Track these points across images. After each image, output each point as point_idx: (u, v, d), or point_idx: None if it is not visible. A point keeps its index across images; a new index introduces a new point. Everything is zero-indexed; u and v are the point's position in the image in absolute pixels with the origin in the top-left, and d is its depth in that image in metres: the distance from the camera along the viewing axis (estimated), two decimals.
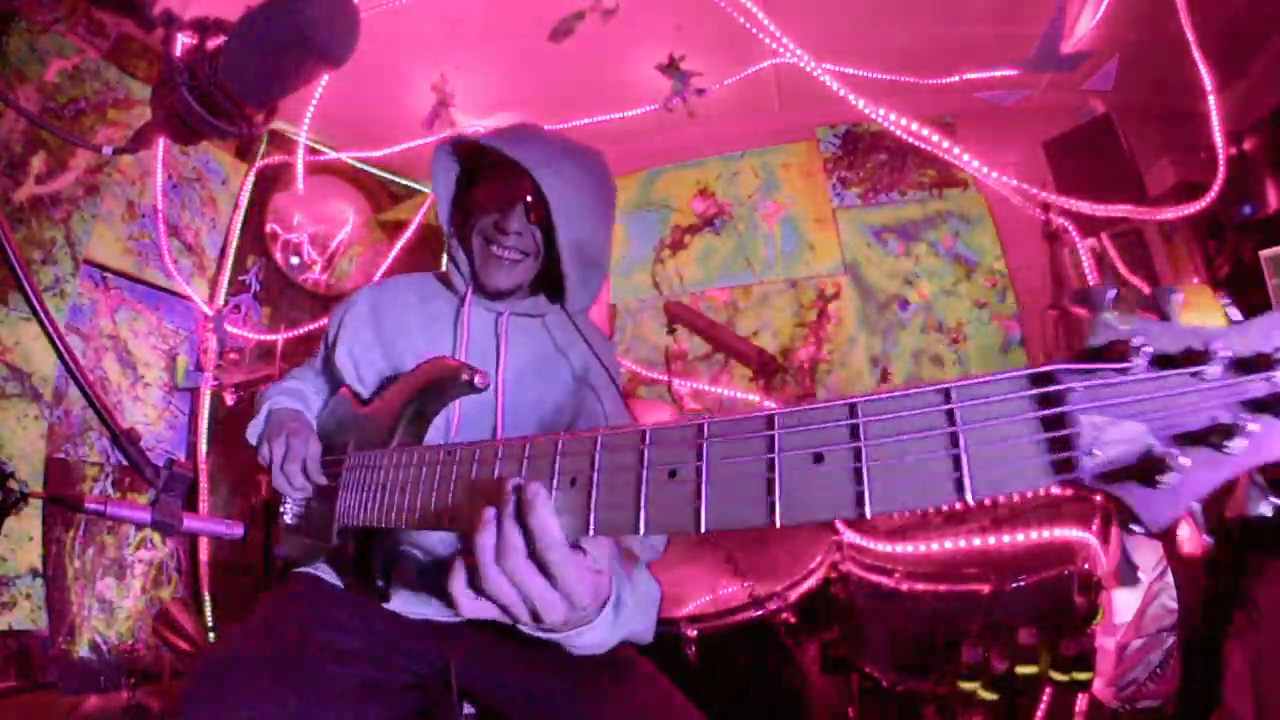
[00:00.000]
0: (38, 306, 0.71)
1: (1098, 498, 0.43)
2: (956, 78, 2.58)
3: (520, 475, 0.62)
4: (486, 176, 1.12)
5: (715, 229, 3.80)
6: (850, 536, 1.78)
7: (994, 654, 1.50)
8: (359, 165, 3.49)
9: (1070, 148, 2.81)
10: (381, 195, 3.68)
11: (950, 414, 0.42)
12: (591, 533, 0.56)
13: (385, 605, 0.98)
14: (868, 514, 0.43)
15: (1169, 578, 1.91)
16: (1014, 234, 3.36)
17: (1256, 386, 0.38)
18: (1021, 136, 3.05)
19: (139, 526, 0.91)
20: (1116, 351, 0.40)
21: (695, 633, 1.53)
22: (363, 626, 0.97)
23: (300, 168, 3.01)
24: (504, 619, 0.62)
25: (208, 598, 2.59)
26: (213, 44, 0.73)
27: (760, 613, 1.57)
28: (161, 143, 2.40)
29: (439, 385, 0.92)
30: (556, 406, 1.08)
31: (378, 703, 0.89)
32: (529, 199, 1.07)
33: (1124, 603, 1.91)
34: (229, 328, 2.74)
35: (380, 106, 3.10)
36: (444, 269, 1.22)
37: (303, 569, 1.06)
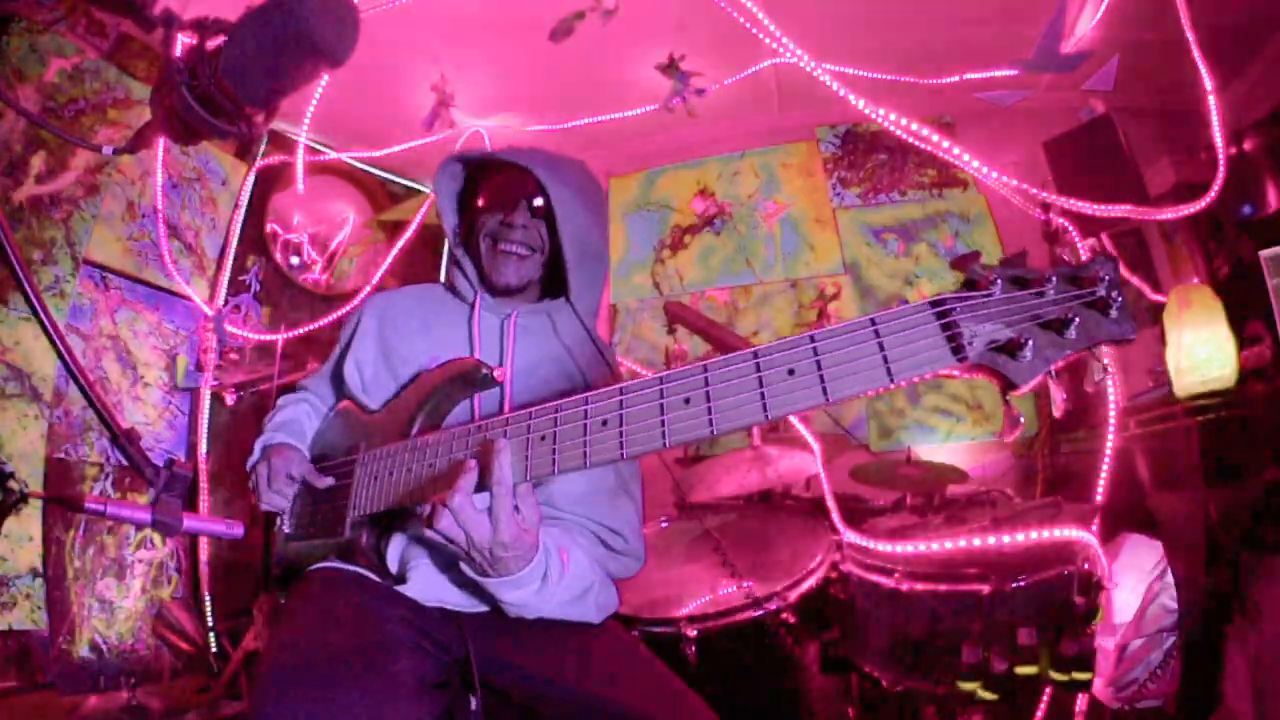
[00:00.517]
0: (38, 306, 0.71)
1: (986, 377, 0.64)
2: (956, 78, 2.58)
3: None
4: (488, 182, 1.22)
5: (715, 229, 3.80)
6: (850, 536, 1.78)
7: (994, 654, 1.49)
8: (359, 165, 3.49)
9: (1070, 148, 2.81)
10: (381, 195, 3.68)
11: (876, 331, 0.66)
12: (625, 454, 0.74)
13: (402, 589, 1.01)
14: (829, 400, 0.66)
15: (1169, 578, 1.91)
16: (1014, 234, 3.36)
17: (1084, 296, 0.63)
18: (1021, 136, 3.04)
19: (139, 526, 0.91)
20: (982, 285, 0.64)
21: (695, 633, 1.53)
22: (405, 616, 0.98)
23: (300, 168, 3.00)
24: (452, 545, 0.83)
25: (208, 598, 2.59)
26: (213, 44, 0.73)
27: (760, 612, 1.57)
28: (161, 143, 2.39)
29: (456, 382, 1.02)
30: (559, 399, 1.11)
31: (429, 695, 0.91)
32: (531, 196, 1.17)
33: (1124, 603, 1.91)
34: (229, 328, 2.74)
35: (380, 106, 3.10)
36: (445, 278, 1.29)
37: (320, 566, 1.06)
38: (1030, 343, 0.61)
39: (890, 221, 3.58)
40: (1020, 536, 1.58)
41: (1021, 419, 0.91)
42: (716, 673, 1.53)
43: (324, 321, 2.99)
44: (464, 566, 0.89)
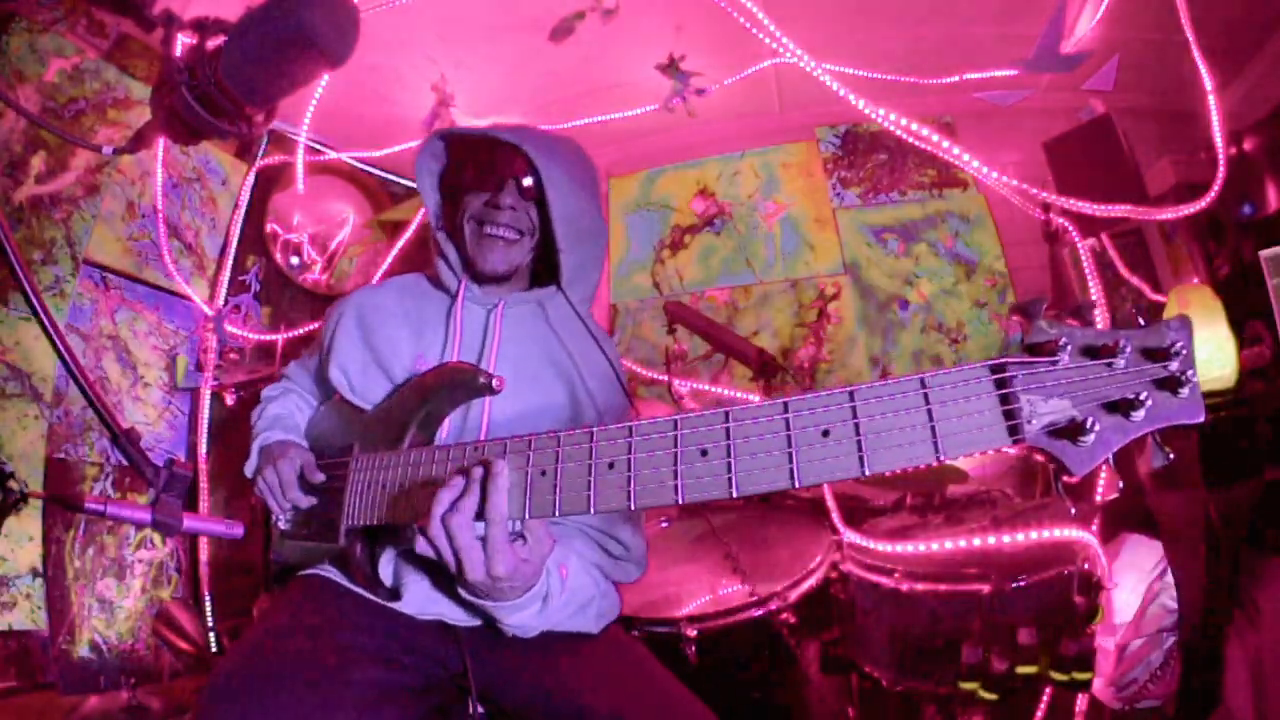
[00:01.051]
0: (38, 306, 0.71)
1: (1041, 458, 0.58)
2: (956, 78, 2.58)
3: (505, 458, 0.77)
4: (473, 161, 1.12)
5: (715, 229, 3.79)
6: (850, 536, 1.78)
7: (994, 654, 1.49)
8: (359, 165, 3.48)
9: (1070, 148, 2.81)
10: (381, 195, 3.68)
11: (926, 396, 0.58)
12: (633, 506, 0.68)
13: (396, 605, 0.98)
14: (867, 473, 0.58)
15: (1169, 578, 1.91)
16: (1014, 234, 3.36)
17: (1155, 371, 0.56)
18: (1021, 136, 3.04)
19: (139, 526, 0.91)
20: (1048, 349, 0.56)
21: (695, 633, 1.53)
22: (378, 627, 0.95)
23: (300, 168, 3.00)
24: (439, 559, 0.78)
25: (208, 598, 2.59)
26: (213, 44, 0.73)
27: (760, 612, 1.57)
28: (161, 143, 2.39)
29: (452, 388, 0.96)
30: (549, 398, 1.06)
31: (394, 705, 0.88)
32: (520, 176, 1.08)
33: (1124, 603, 1.91)
34: (229, 328, 2.74)
35: (380, 106, 3.10)
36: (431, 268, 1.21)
37: (309, 571, 1.05)
38: (1096, 427, 0.55)
39: (890, 221, 3.57)
40: (1020, 536, 1.58)
41: (1072, 509, 0.82)
42: (716, 673, 1.53)
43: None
44: (460, 589, 0.86)
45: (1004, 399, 0.57)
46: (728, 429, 0.64)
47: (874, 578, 1.65)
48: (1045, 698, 1.64)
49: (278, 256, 3.28)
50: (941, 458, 0.56)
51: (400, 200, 3.72)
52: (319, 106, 2.73)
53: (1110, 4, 2.43)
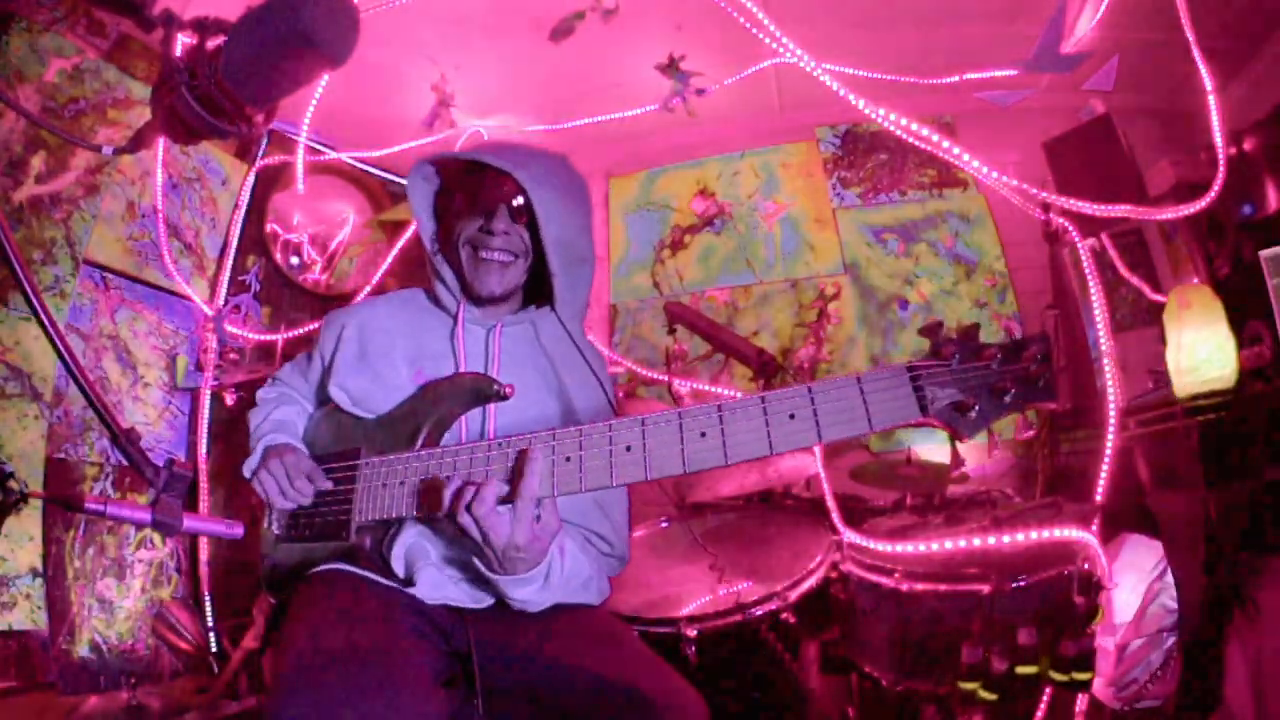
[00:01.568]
0: (38, 306, 0.71)
1: (942, 428, 0.82)
2: (956, 78, 2.57)
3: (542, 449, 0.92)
4: (465, 187, 1.16)
5: (715, 229, 3.80)
6: (850, 536, 1.78)
7: (994, 654, 1.49)
8: (359, 165, 3.48)
9: (1070, 148, 2.81)
10: (381, 195, 3.68)
11: (862, 389, 0.82)
12: (648, 477, 0.87)
13: (410, 590, 1.02)
14: (822, 441, 0.82)
15: (1169, 578, 1.91)
16: (1014, 234, 3.36)
17: (1019, 370, 0.81)
18: (1021, 136, 3.04)
19: (139, 526, 0.91)
20: (946, 354, 0.82)
21: (695, 633, 1.53)
22: (406, 609, 0.99)
23: (300, 168, 3.00)
24: (471, 531, 0.90)
25: (208, 598, 2.59)
26: (213, 44, 0.73)
27: (760, 612, 1.57)
28: (161, 143, 2.40)
29: (465, 395, 1.06)
30: (541, 411, 1.13)
31: (441, 683, 0.93)
32: (511, 200, 1.12)
33: (1124, 603, 1.91)
34: (229, 328, 2.74)
35: (380, 106, 3.10)
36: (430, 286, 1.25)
37: (325, 568, 1.06)
38: (977, 405, 0.80)
39: (890, 221, 3.58)
40: (1020, 536, 1.58)
41: (964, 464, 1.03)
42: (717, 672, 1.53)
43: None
44: (475, 561, 0.95)
45: (916, 389, 0.81)
46: (720, 416, 0.85)
47: (874, 578, 1.65)
48: (1045, 698, 1.64)
49: (278, 256, 3.28)
50: (874, 429, 0.81)
51: (400, 200, 3.71)
52: (319, 106, 2.73)
53: (1110, 4, 2.43)
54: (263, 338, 2.96)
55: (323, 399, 1.23)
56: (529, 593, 0.98)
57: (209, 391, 2.68)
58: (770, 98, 3.48)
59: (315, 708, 0.79)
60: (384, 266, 3.35)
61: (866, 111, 2.16)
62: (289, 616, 0.99)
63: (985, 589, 1.51)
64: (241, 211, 3.07)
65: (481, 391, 1.05)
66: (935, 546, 1.64)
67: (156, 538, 2.62)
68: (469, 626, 1.01)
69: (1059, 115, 2.94)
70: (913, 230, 3.53)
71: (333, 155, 3.26)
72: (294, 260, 3.36)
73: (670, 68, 2.87)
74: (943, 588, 1.56)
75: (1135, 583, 1.92)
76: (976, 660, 1.49)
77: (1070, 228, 2.43)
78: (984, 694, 1.49)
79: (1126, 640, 1.89)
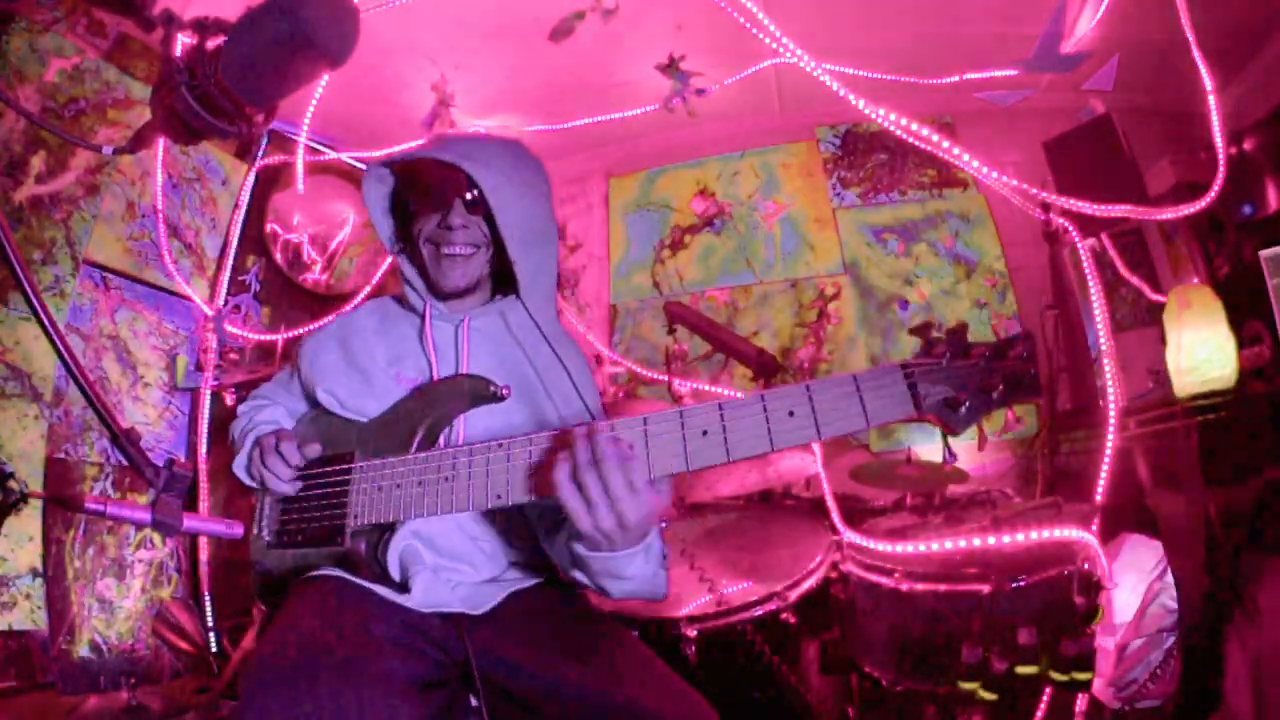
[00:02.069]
0: (38, 306, 0.71)
1: (935, 423, 0.85)
2: (956, 78, 2.58)
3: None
4: (418, 183, 1.16)
5: (715, 229, 3.79)
6: (850, 536, 1.78)
7: (994, 654, 1.49)
8: (359, 165, 3.48)
9: (1070, 148, 2.81)
10: None
11: (859, 387, 0.84)
12: (651, 474, 0.87)
13: (402, 599, 1.01)
14: (821, 438, 0.84)
15: (1169, 578, 1.91)
16: (1014, 234, 3.36)
17: (1006, 368, 0.84)
18: (1021, 136, 3.04)
19: (139, 526, 0.91)
20: (936, 354, 0.85)
21: (695, 633, 1.53)
22: (394, 618, 0.98)
23: (300, 168, 3.00)
24: (585, 507, 0.86)
25: (208, 598, 2.59)
26: (213, 44, 0.74)
27: (761, 612, 1.57)
28: (161, 143, 2.39)
29: (461, 396, 1.06)
30: (515, 400, 1.11)
31: (418, 693, 0.91)
32: (465, 193, 1.11)
33: (1124, 603, 1.91)
34: (229, 328, 2.74)
35: (380, 106, 3.10)
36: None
37: (318, 573, 1.06)
38: (968, 401, 0.83)
39: (890, 221, 3.57)
40: (1020, 536, 1.58)
41: (957, 459, 1.03)
42: (716, 672, 1.53)
43: (324, 322, 2.99)
44: (582, 549, 0.92)
45: (911, 386, 0.83)
46: (722, 415, 0.86)
47: (874, 578, 1.65)
48: (1045, 698, 1.64)
49: (278, 256, 3.28)
50: (871, 425, 0.83)
51: None
52: (319, 106, 2.73)
53: (1110, 4, 2.43)
54: (263, 338, 2.96)
55: (310, 404, 1.23)
56: (639, 565, 0.95)
57: (209, 391, 2.69)
58: (770, 98, 3.48)
59: (280, 708, 0.79)
60: (384, 266, 3.35)
61: (866, 111, 2.16)
62: (273, 618, 0.99)
63: (985, 589, 1.51)
64: (241, 211, 3.07)
65: (478, 393, 1.04)
66: (935, 546, 1.64)
67: (156, 538, 2.62)
68: (466, 633, 0.99)
69: (1059, 115, 2.93)
70: (913, 230, 3.53)
71: (333, 155, 3.26)
72: (294, 260, 3.36)
73: (670, 68, 2.87)
74: (943, 588, 1.56)
75: (1135, 583, 1.92)
76: (976, 660, 1.49)
77: (1070, 228, 2.43)
78: (984, 694, 1.50)
79: (1126, 640, 1.89)
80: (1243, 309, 2.20)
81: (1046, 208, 2.47)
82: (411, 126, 3.08)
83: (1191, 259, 2.70)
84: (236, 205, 3.07)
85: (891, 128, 2.22)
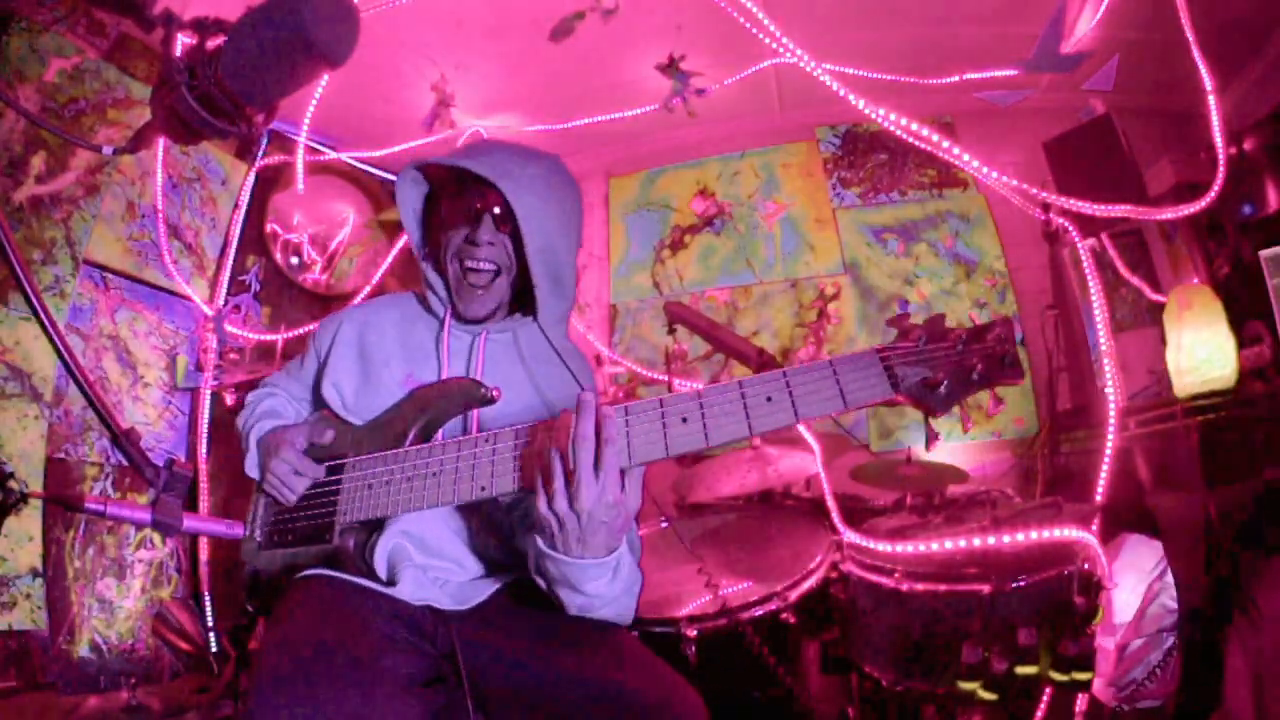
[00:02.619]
0: (38, 306, 0.71)
1: (914, 405, 0.87)
2: (956, 78, 2.58)
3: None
4: (451, 194, 1.16)
5: (715, 229, 3.79)
6: (850, 536, 1.78)
7: (994, 654, 1.49)
8: (359, 165, 3.48)
9: (1070, 148, 2.81)
10: (381, 195, 3.68)
11: (835, 372, 0.85)
12: (631, 461, 0.88)
13: (392, 591, 1.01)
14: (799, 419, 0.85)
15: (1169, 578, 1.91)
16: (1014, 234, 3.36)
17: (984, 351, 0.85)
18: (1021, 136, 3.04)
19: (139, 526, 0.91)
20: (913, 338, 0.87)
21: (695, 633, 1.53)
22: (383, 610, 0.99)
23: (300, 168, 3.00)
24: (544, 482, 0.89)
25: (208, 598, 2.59)
26: (213, 44, 0.73)
27: (761, 612, 1.57)
28: (161, 143, 2.39)
29: (454, 398, 1.07)
30: (520, 419, 1.09)
31: (417, 689, 0.91)
32: (496, 210, 1.11)
33: (1124, 603, 1.91)
34: (229, 328, 2.74)
35: (380, 106, 3.10)
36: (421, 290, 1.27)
37: (309, 573, 1.06)
38: (946, 382, 0.84)
39: (890, 221, 3.58)
40: (1020, 536, 1.58)
41: (940, 436, 1.01)
42: (717, 672, 1.53)
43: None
44: (541, 544, 0.92)
45: (887, 369, 0.85)
46: (700, 403, 0.88)
47: (874, 578, 1.65)
48: (1045, 698, 1.64)
49: (278, 256, 3.28)
50: (848, 407, 0.85)
51: None
52: (319, 106, 2.73)
53: (1110, 4, 2.43)
54: (263, 338, 2.96)
55: (318, 402, 1.23)
56: (601, 585, 0.94)
57: (209, 391, 2.69)
58: (770, 98, 3.48)
59: (291, 711, 0.79)
60: (384, 266, 3.35)
61: (866, 111, 2.16)
62: (269, 622, 0.99)
63: (985, 589, 1.51)
64: (241, 211, 3.07)
65: (469, 395, 1.05)
66: (935, 546, 1.64)
67: (156, 538, 2.62)
68: (452, 628, 1.00)
69: (1059, 115, 2.94)
70: (913, 230, 3.53)
71: (333, 155, 3.26)
72: (294, 260, 3.36)
73: (670, 68, 2.87)
74: (943, 588, 1.56)
75: (1135, 583, 1.92)
76: (976, 660, 1.49)
77: (1070, 228, 2.43)
78: (984, 694, 1.49)
79: (1126, 640, 1.89)
80: (1243, 309, 2.20)
81: (1046, 208, 2.48)
82: (411, 126, 3.08)
83: (1191, 259, 2.70)
84: (236, 205, 3.07)
85: (891, 128, 2.22)
